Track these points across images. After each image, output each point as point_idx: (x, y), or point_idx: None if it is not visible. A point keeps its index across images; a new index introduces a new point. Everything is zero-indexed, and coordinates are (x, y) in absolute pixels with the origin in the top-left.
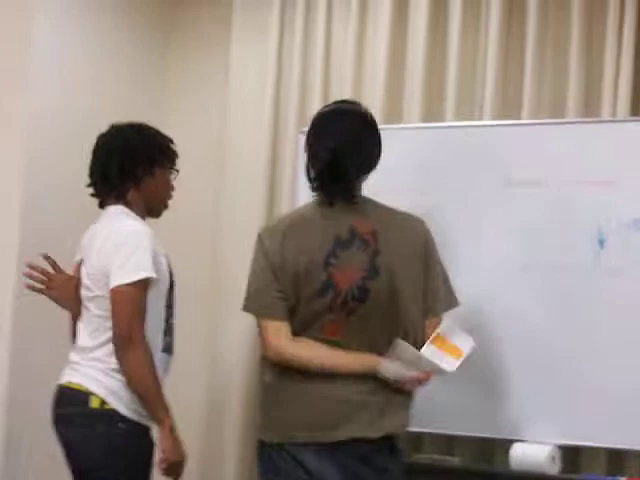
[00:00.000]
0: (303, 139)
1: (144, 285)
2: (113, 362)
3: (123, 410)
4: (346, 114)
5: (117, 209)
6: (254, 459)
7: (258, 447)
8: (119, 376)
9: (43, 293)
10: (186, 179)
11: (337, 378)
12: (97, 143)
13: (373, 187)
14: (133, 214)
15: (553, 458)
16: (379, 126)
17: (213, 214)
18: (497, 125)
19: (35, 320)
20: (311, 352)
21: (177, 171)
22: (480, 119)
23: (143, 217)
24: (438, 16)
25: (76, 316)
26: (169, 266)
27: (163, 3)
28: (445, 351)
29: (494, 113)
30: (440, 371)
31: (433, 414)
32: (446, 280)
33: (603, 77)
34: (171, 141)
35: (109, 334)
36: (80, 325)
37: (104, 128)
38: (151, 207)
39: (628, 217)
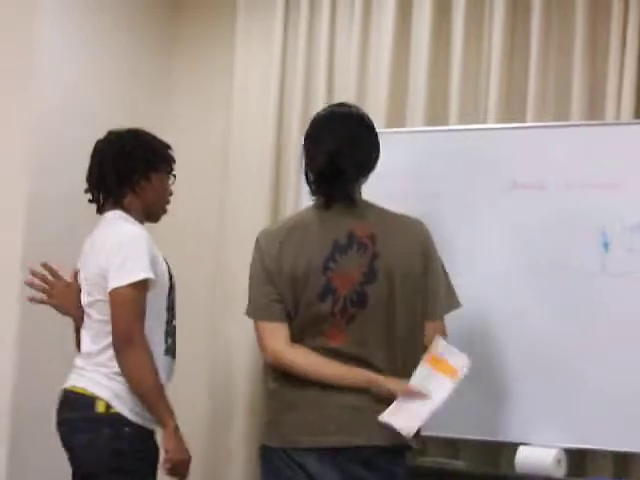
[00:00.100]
0: None
1: (143, 286)
2: (116, 366)
3: (128, 414)
4: (342, 117)
5: (115, 214)
6: (257, 461)
7: (260, 451)
8: (123, 379)
9: (44, 302)
10: (190, 183)
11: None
12: (94, 149)
13: (376, 191)
14: (131, 219)
15: (559, 461)
16: (382, 130)
17: (217, 218)
18: (501, 128)
19: (40, 326)
20: (308, 362)
21: (174, 176)
22: (484, 122)
23: (142, 222)
24: (441, 20)
25: (79, 323)
26: (168, 269)
27: (167, 5)
28: (439, 370)
29: (498, 116)
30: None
31: (438, 417)
32: (447, 281)
33: (607, 80)
34: (168, 147)
35: (110, 338)
36: (83, 331)
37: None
38: (149, 212)
39: (633, 220)
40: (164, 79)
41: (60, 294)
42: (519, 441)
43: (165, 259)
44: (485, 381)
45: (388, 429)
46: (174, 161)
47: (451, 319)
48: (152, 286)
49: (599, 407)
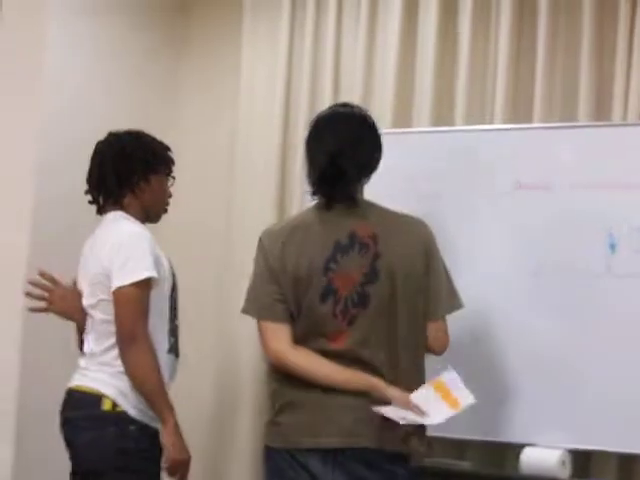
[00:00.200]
0: None
1: (146, 285)
2: (121, 365)
3: (133, 412)
4: (345, 117)
5: (116, 215)
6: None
7: (264, 452)
8: (127, 378)
9: (46, 310)
10: (197, 182)
11: None
12: (95, 150)
13: (382, 191)
14: (132, 218)
15: (563, 462)
16: (388, 130)
17: (224, 217)
18: (507, 129)
19: (44, 327)
20: (311, 364)
21: (174, 178)
22: (490, 123)
23: (142, 222)
24: (448, 21)
25: (81, 326)
26: (171, 268)
27: (174, 6)
28: (442, 397)
29: (504, 117)
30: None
31: None
32: (449, 282)
33: (614, 81)
34: (168, 148)
35: (115, 338)
36: (86, 333)
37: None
38: (148, 213)
39: (639, 221)
40: (171, 80)
41: (60, 300)
42: (524, 442)
43: (168, 258)
44: (490, 382)
45: (390, 433)
46: (173, 163)
47: (455, 320)
48: (155, 285)
49: (604, 408)
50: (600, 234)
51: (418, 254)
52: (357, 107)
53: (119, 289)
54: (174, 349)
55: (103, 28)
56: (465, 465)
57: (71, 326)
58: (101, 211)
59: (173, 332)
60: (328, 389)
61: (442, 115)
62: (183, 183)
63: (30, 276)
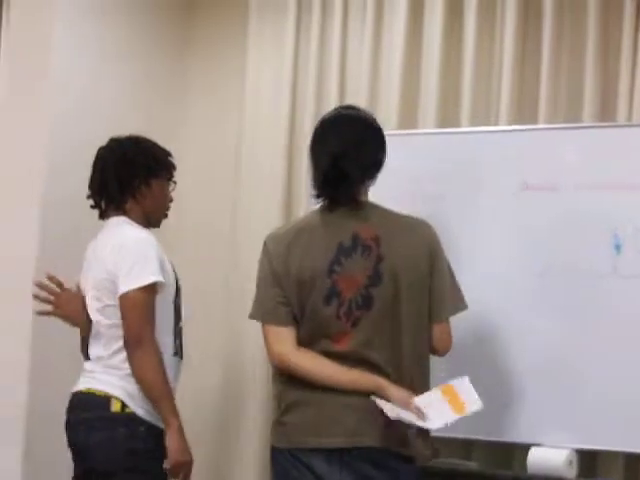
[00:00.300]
0: None
1: (152, 289)
2: (129, 367)
3: (142, 413)
4: (349, 119)
5: (119, 220)
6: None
7: (270, 453)
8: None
9: (52, 314)
10: (203, 184)
11: None
12: (96, 156)
13: (388, 193)
14: (135, 224)
15: (570, 462)
16: (394, 132)
17: (230, 219)
18: (513, 130)
19: (53, 330)
20: (314, 365)
21: (175, 183)
22: (496, 124)
23: (145, 227)
24: (453, 22)
25: (86, 331)
26: (174, 272)
27: (180, 7)
28: (449, 401)
29: (510, 118)
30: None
31: None
32: (453, 283)
33: (619, 81)
34: (169, 154)
35: (122, 342)
36: (91, 339)
37: (124, 133)
38: (149, 218)
39: None
40: (177, 81)
41: (66, 304)
42: (530, 442)
43: (171, 262)
44: (497, 382)
45: (395, 433)
46: (174, 168)
47: (461, 320)
48: (161, 289)
49: (610, 408)
50: (605, 235)
51: (422, 255)
52: (361, 109)
53: (126, 294)
54: (179, 351)
55: (109, 29)
56: (472, 465)
57: (79, 330)
58: (103, 216)
59: (177, 335)
60: (333, 389)
61: (447, 117)
62: (189, 185)
63: (38, 279)
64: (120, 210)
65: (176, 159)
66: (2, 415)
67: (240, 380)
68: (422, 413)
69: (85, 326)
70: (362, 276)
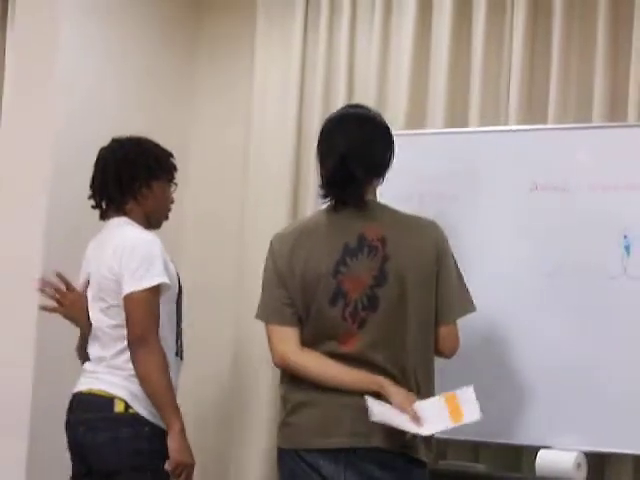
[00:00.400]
0: None
1: (157, 291)
2: (132, 368)
3: (145, 414)
4: (355, 118)
5: (120, 220)
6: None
7: (277, 454)
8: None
9: (55, 311)
10: (211, 185)
11: None
12: (98, 156)
13: (395, 192)
14: (136, 225)
15: (579, 465)
16: (402, 131)
17: (238, 219)
18: (522, 130)
19: (58, 328)
20: (318, 365)
21: (176, 184)
22: (505, 124)
23: (146, 228)
24: (462, 23)
25: (87, 331)
26: (177, 273)
27: (188, 8)
28: (448, 410)
29: (519, 118)
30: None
31: None
32: (461, 285)
33: (629, 81)
34: (171, 155)
35: (126, 342)
36: (92, 339)
37: (130, 133)
38: (150, 219)
39: None
40: (184, 82)
41: (70, 304)
42: (539, 445)
43: (174, 263)
44: (505, 384)
45: (399, 433)
46: (176, 170)
47: (470, 321)
48: (165, 290)
49: (619, 410)
50: (615, 236)
51: (429, 256)
52: (368, 108)
53: (130, 294)
54: (180, 352)
55: (115, 29)
56: (480, 468)
57: None
58: (104, 216)
59: (179, 335)
60: (337, 390)
61: (456, 117)
62: (197, 185)
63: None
64: (121, 211)
65: (184, 160)
66: (7, 411)
67: (247, 379)
68: (418, 418)
69: (87, 327)
70: (368, 276)
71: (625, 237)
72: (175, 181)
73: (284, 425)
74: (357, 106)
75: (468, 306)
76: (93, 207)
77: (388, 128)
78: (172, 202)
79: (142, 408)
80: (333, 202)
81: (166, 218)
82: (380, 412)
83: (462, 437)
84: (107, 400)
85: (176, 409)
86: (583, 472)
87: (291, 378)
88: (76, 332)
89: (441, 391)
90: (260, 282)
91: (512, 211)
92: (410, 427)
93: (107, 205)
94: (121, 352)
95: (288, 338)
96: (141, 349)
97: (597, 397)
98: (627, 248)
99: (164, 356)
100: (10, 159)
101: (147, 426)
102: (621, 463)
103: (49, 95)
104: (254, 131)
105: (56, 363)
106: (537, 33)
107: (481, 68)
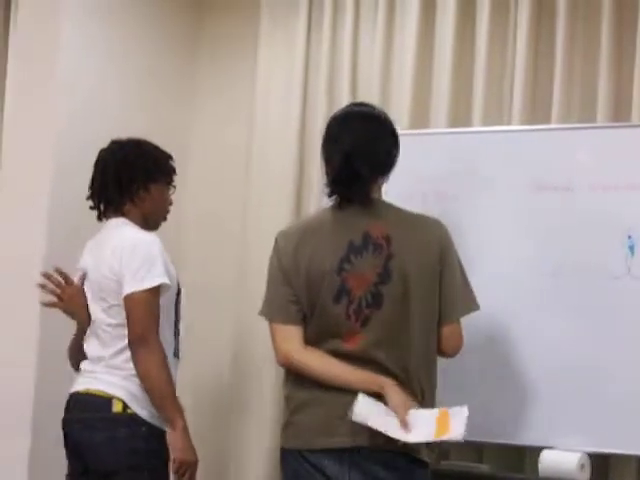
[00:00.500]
0: None
1: (157, 291)
2: (132, 368)
3: (144, 415)
4: (359, 116)
5: (119, 221)
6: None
7: (280, 454)
8: (138, 381)
9: (55, 306)
10: (213, 185)
11: None
12: (98, 158)
13: (399, 192)
14: (136, 226)
15: (582, 466)
16: (405, 131)
17: (240, 219)
18: (526, 130)
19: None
20: (321, 364)
21: (174, 187)
22: (509, 124)
23: (143, 229)
24: (465, 22)
25: (84, 327)
26: (176, 273)
27: (190, 7)
28: (437, 424)
29: (523, 118)
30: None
31: None
32: (465, 283)
33: (633, 81)
34: (170, 157)
35: (125, 341)
36: (91, 337)
37: (131, 134)
38: (147, 221)
39: None
40: (186, 81)
41: (69, 299)
42: (542, 445)
43: (173, 263)
44: (508, 385)
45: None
46: (174, 172)
47: (473, 320)
48: (165, 291)
49: (623, 411)
50: (619, 236)
51: (433, 254)
52: (373, 106)
53: (131, 294)
54: (177, 352)
55: (116, 29)
56: (483, 468)
57: None
58: (102, 217)
59: (176, 335)
60: (341, 389)
61: (459, 116)
62: (200, 185)
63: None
64: (119, 212)
65: (185, 159)
66: (10, 410)
67: (250, 379)
68: (407, 424)
69: (85, 323)
70: (372, 274)
71: (629, 237)
72: (174, 183)
73: (287, 424)
74: (362, 104)
75: (472, 305)
76: (91, 208)
77: (393, 126)
78: (170, 204)
79: (140, 408)
80: (338, 200)
81: (164, 219)
82: (363, 413)
83: (465, 438)
84: (105, 400)
85: (178, 407)
86: (587, 473)
87: (295, 377)
88: None
89: (441, 392)
90: (262, 282)
91: (515, 211)
92: (394, 432)
93: (105, 206)
94: (121, 351)
95: (292, 337)
96: (142, 349)
97: (601, 397)
98: (631, 248)
99: (164, 355)
100: (12, 159)
101: (144, 426)
102: (625, 464)
103: (51, 95)
104: (257, 131)
105: (58, 362)
106: (541, 33)
107: (485, 68)
